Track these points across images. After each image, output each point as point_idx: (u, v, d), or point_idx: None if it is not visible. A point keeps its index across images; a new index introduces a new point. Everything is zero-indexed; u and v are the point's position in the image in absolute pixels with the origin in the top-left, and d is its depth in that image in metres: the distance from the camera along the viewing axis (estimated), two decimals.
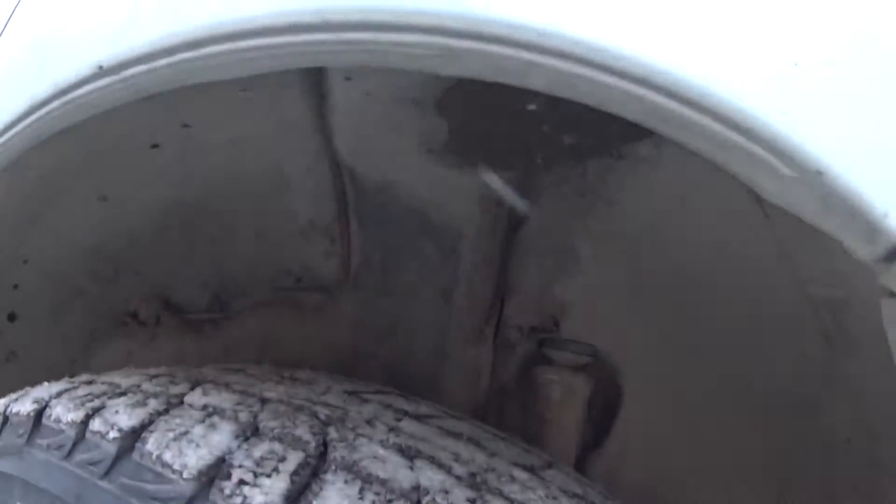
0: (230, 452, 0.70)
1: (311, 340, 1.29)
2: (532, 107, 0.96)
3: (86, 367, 1.34)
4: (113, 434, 0.75)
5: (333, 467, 0.71)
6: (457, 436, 0.92)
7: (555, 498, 0.84)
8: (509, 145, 1.04)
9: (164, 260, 1.28)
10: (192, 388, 0.85)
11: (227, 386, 0.87)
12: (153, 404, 0.80)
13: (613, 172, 1.09)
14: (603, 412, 1.29)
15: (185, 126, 1.07)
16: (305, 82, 1.03)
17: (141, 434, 0.74)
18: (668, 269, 1.15)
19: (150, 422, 0.76)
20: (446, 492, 0.75)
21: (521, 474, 0.87)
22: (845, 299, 1.15)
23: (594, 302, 1.21)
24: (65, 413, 0.81)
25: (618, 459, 1.29)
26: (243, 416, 0.77)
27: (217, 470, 0.68)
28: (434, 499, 0.73)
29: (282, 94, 1.04)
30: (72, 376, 0.99)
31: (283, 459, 0.70)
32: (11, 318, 1.22)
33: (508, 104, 0.95)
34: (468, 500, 0.75)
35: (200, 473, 0.67)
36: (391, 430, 0.85)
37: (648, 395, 1.25)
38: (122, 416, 0.77)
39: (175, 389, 0.84)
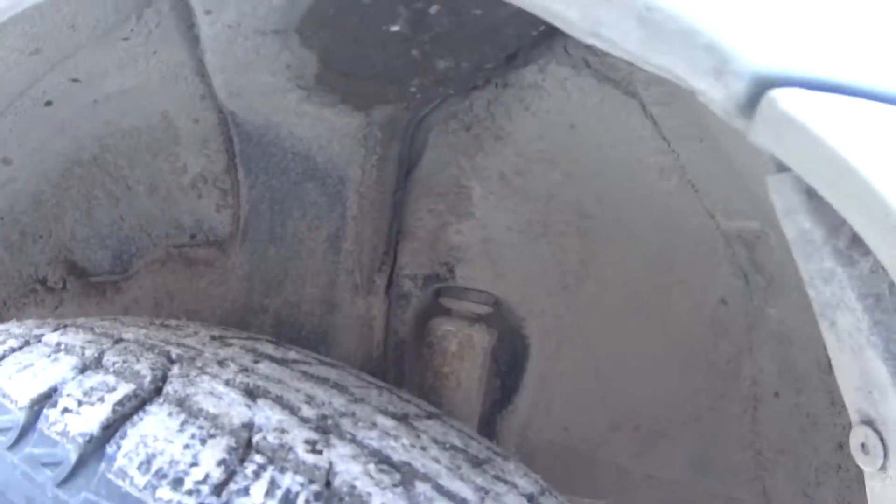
0: (63, 383, 0.71)
1: (204, 296, 1.21)
2: (395, 27, 0.88)
3: None
4: None
5: (162, 400, 0.71)
6: (319, 380, 0.85)
7: (423, 448, 0.77)
8: (379, 75, 0.96)
9: (67, 221, 1.25)
10: (56, 330, 0.84)
11: (91, 329, 0.85)
12: (10, 343, 0.79)
13: (499, 103, 1.02)
14: (510, 366, 1.20)
15: (74, 80, 1.03)
16: (181, 26, 0.98)
17: None
18: (567, 204, 1.07)
19: (2, 357, 0.76)
20: (283, 431, 0.70)
21: (385, 421, 0.80)
22: (759, 232, 1.07)
23: (490, 245, 1.12)
24: None
25: (529, 417, 1.21)
26: (89, 351, 0.77)
27: (47, 399, 0.69)
28: (265, 437, 0.68)
29: (161, 40, 0.99)
30: None
31: (111, 390, 0.70)
32: None
33: (370, 27, 0.88)
34: (307, 441, 0.70)
35: (32, 402, 0.69)
36: (243, 370, 0.81)
37: (557, 346, 1.16)
38: None
39: (38, 331, 0.83)
